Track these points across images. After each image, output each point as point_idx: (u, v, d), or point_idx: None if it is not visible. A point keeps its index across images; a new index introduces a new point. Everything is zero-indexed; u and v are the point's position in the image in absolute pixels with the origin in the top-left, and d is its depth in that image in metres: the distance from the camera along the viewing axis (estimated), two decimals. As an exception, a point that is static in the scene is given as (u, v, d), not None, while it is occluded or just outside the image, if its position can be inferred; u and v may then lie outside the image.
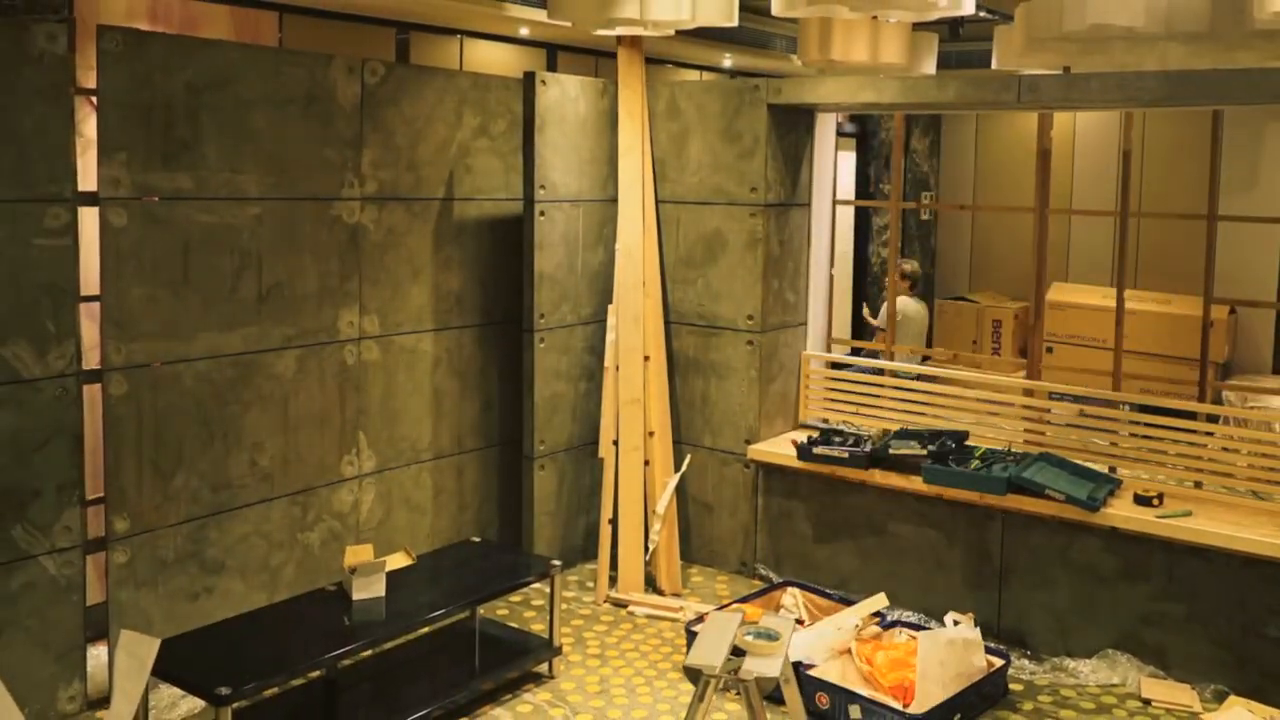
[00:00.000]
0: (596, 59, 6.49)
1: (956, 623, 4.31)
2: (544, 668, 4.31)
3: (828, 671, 4.09)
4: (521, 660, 4.26)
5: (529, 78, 5.04)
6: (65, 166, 3.72)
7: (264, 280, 4.32)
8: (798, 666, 4.06)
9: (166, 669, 3.43)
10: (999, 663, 4.20)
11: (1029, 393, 5.08)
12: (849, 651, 4.18)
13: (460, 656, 4.33)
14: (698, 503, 5.44)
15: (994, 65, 6.38)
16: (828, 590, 4.78)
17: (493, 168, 5.21)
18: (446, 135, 4.99)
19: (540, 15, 4.77)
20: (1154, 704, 4.14)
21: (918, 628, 4.36)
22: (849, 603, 4.59)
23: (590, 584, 5.18)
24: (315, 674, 3.97)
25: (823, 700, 3.97)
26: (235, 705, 3.33)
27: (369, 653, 4.11)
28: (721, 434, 5.33)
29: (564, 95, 5.16)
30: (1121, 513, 4.35)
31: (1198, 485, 4.61)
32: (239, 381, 4.27)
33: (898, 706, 3.87)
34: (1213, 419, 5.31)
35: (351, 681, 4.09)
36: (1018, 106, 4.75)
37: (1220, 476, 4.54)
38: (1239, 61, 4.95)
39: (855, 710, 3.89)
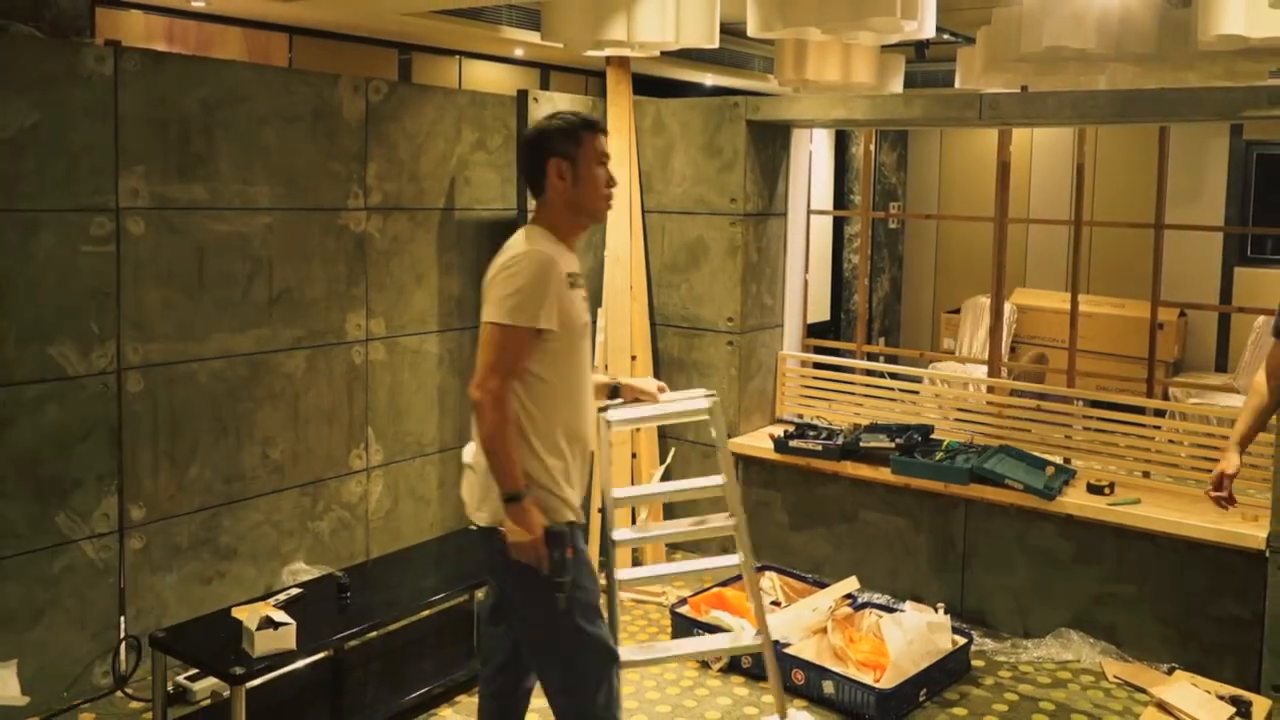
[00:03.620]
0: (587, 78, 6.48)
1: (938, 608, 4.32)
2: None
3: (803, 650, 4.07)
4: None
5: (522, 96, 5.02)
6: (109, 179, 3.74)
7: (274, 285, 4.30)
8: (776, 645, 4.06)
9: (183, 649, 3.42)
10: (962, 641, 4.20)
11: (990, 389, 5.08)
12: (824, 631, 4.18)
13: (460, 637, 4.31)
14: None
15: (957, 84, 6.38)
16: (803, 574, 4.77)
17: (489, 179, 5.19)
18: (446, 149, 4.97)
19: (534, 37, 4.77)
20: (1114, 677, 4.15)
21: (886, 609, 4.36)
22: (822, 585, 4.59)
23: (581, 568, 5.16)
24: (323, 654, 3.94)
25: (798, 676, 3.96)
26: (249, 684, 3.31)
27: (374, 634, 4.08)
28: (704, 428, 5.32)
29: (555, 112, 5.13)
30: (1076, 501, 4.35)
31: (1146, 475, 4.61)
32: (251, 380, 4.24)
33: (868, 682, 3.87)
34: (1160, 414, 5.32)
35: (358, 661, 4.07)
36: (979, 123, 4.74)
37: (1166, 467, 4.54)
38: (1184, 81, 4.97)
39: (828, 685, 3.88)
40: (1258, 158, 7.89)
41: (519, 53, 5.46)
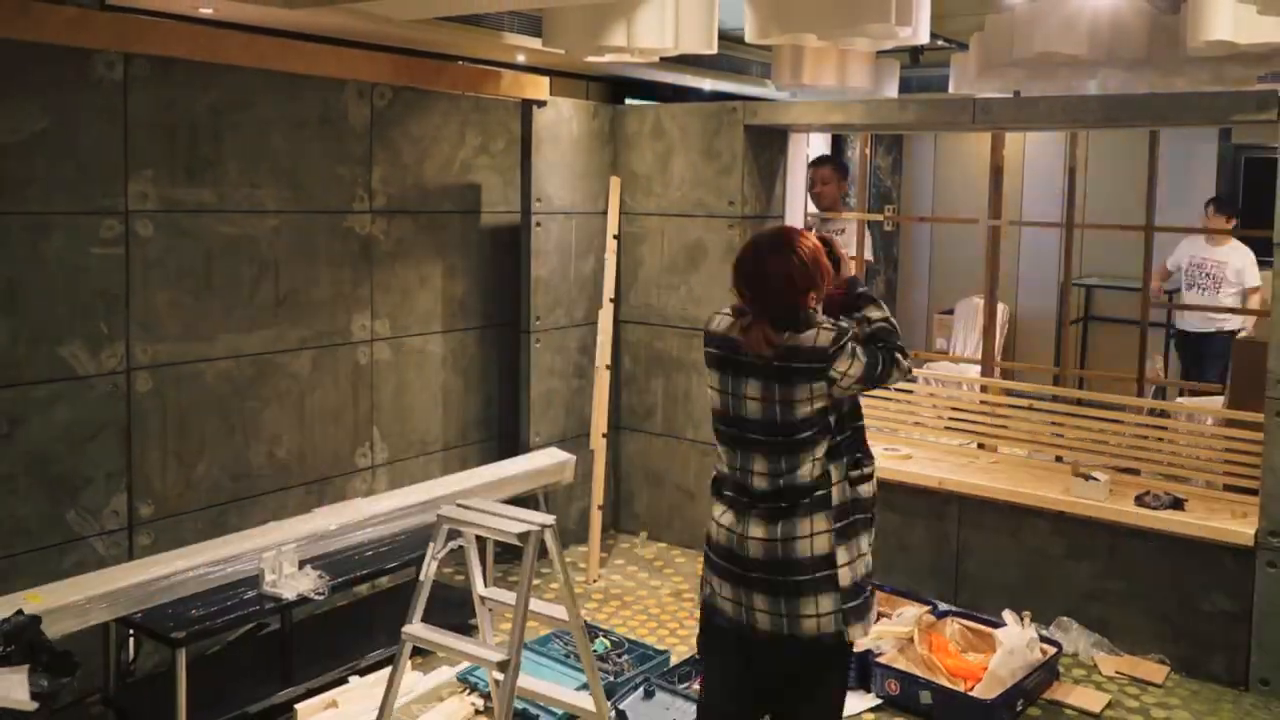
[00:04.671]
0: (588, 83, 6.47)
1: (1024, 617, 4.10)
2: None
3: (895, 660, 3.94)
4: (459, 613, 4.31)
5: (526, 100, 5.01)
6: (119, 182, 3.74)
7: (281, 287, 4.29)
8: (868, 654, 3.88)
9: (129, 619, 3.47)
10: (1051, 651, 4.04)
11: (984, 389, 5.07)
12: (911, 640, 4.03)
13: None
14: (680, 490, 5.42)
15: (951, 89, 6.36)
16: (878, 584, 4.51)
17: (493, 183, 5.19)
18: (450, 153, 4.96)
19: (536, 43, 4.75)
20: (1116, 673, 4.13)
21: (969, 617, 4.21)
22: (901, 593, 4.41)
23: (582, 564, 5.16)
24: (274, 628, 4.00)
25: (893, 687, 3.82)
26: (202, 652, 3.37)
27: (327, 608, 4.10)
28: (702, 427, 5.31)
29: (558, 117, 5.13)
30: (1067, 497, 4.34)
31: (1136, 473, 4.60)
32: (258, 379, 4.24)
33: (967, 692, 3.74)
34: (1153, 413, 5.31)
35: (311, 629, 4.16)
36: (972, 127, 4.74)
37: (1154, 464, 4.53)
38: (1174, 85, 4.95)
39: (925, 695, 3.75)
40: (1246, 161, 7.88)
41: (521, 58, 5.44)
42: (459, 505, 3.34)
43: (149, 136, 3.82)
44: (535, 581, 4.94)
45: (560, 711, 3.65)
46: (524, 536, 3.11)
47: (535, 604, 3.25)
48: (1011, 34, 4.60)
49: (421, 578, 3.30)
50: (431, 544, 3.29)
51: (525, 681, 3.22)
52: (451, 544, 3.31)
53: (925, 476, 4.67)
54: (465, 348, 5.12)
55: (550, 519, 3.24)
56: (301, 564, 3.85)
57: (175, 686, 3.35)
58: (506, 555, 5.19)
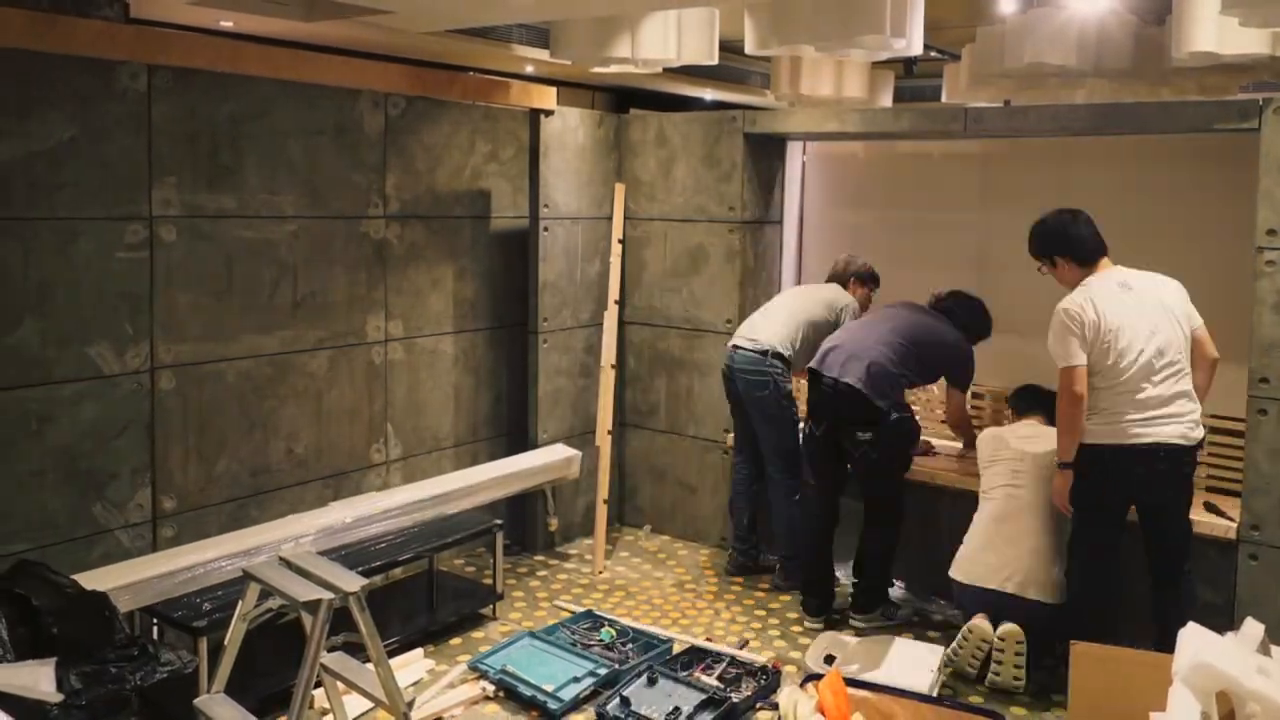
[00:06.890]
0: (594, 93, 6.48)
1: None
2: (489, 610, 4.44)
3: None
4: (470, 602, 4.41)
5: (534, 110, 5.03)
6: (143, 189, 3.76)
7: (299, 289, 4.31)
8: None
9: (155, 609, 3.50)
10: None
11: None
12: None
13: (421, 599, 4.42)
14: (682, 485, 5.43)
15: (944, 99, 6.37)
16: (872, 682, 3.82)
17: (502, 189, 5.20)
18: (461, 161, 4.97)
19: (543, 54, 4.77)
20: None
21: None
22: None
23: (589, 557, 5.17)
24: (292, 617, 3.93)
25: None
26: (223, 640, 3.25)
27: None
28: (703, 424, 5.32)
29: (565, 125, 5.14)
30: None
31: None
32: (276, 378, 4.25)
33: None
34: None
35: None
36: (964, 135, 4.74)
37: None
38: (1159, 95, 4.96)
39: None
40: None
41: (529, 69, 5.46)
42: (280, 556, 2.96)
43: (172, 145, 3.84)
44: (542, 573, 4.95)
45: (566, 699, 3.66)
46: (311, 606, 2.59)
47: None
48: (1002, 45, 4.61)
49: (227, 641, 2.91)
50: (240, 602, 2.84)
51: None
52: (267, 606, 2.90)
53: (914, 471, 4.66)
54: (475, 348, 5.14)
55: (356, 585, 2.74)
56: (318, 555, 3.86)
57: (197, 674, 3.36)
58: (512, 549, 5.20)
